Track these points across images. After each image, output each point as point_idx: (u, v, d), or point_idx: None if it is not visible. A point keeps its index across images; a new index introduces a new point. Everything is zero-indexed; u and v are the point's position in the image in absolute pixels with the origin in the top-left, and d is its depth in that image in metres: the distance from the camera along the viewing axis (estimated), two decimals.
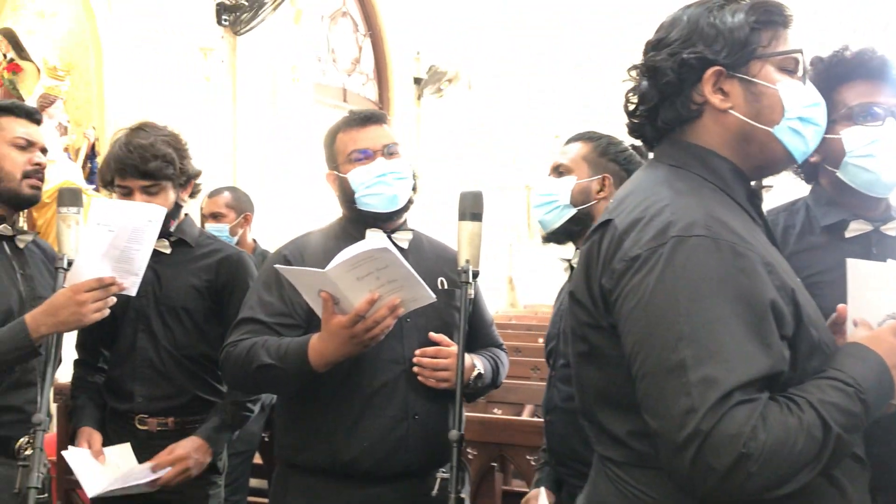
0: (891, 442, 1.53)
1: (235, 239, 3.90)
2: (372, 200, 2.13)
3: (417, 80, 9.34)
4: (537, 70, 11.75)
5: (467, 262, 1.95)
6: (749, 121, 1.34)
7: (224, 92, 6.55)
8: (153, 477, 2.20)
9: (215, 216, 3.89)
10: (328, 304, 1.85)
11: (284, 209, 7.01)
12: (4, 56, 6.31)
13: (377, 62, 9.14)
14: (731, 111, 1.34)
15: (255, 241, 4.13)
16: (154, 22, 6.25)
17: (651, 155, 1.47)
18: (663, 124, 1.39)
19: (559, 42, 11.69)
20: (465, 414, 3.61)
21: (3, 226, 2.21)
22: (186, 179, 2.39)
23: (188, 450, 2.25)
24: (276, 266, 1.97)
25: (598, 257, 1.33)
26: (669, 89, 1.36)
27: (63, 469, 2.96)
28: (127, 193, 2.29)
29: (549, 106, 11.81)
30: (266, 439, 3.68)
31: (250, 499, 3.72)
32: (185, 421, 2.34)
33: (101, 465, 2.22)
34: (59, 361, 2.20)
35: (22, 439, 1.92)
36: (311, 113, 7.53)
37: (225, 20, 6.44)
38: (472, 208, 1.98)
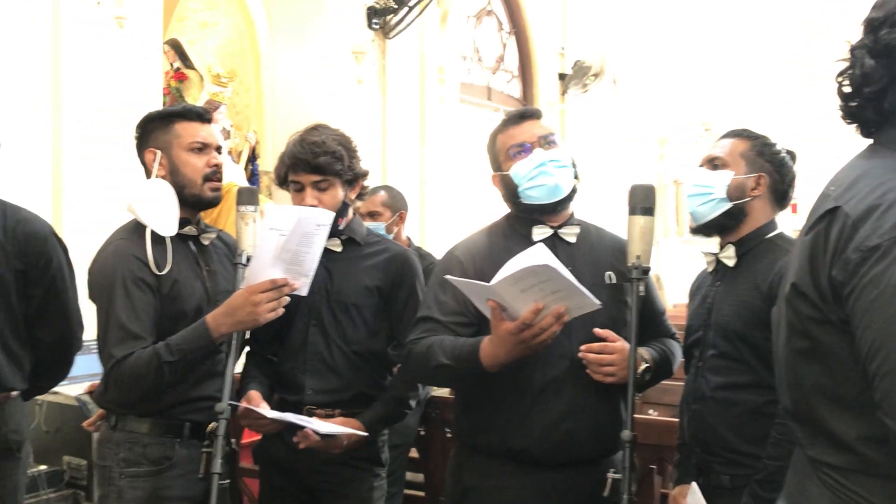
0: None
1: (391, 237, 3.98)
2: (534, 192, 2.16)
3: (562, 76, 9.26)
4: (685, 62, 11.41)
5: (638, 258, 1.93)
6: None
7: (374, 93, 6.70)
8: (320, 426, 2.24)
9: (372, 215, 3.98)
10: (496, 311, 1.92)
11: (434, 207, 7.11)
12: (171, 66, 6.69)
13: (521, 59, 9.12)
14: None
15: (408, 238, 4.19)
16: (308, 28, 6.47)
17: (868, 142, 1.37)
18: (891, 107, 1.29)
19: (708, 33, 11.30)
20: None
21: (188, 227, 2.33)
22: (354, 178, 2.45)
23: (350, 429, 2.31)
24: (447, 277, 2.05)
25: (825, 247, 1.24)
26: None
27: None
28: (299, 189, 2.38)
29: (698, 98, 11.45)
30: (422, 433, 3.74)
31: (407, 491, 3.79)
32: (351, 414, 2.39)
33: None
34: (238, 356, 2.32)
35: (211, 424, 2.02)
36: (457, 112, 7.60)
37: (375, 24, 6.58)
38: (643, 202, 1.96)
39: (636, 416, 3.75)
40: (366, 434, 2.33)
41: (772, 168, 2.24)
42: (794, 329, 1.30)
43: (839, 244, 1.21)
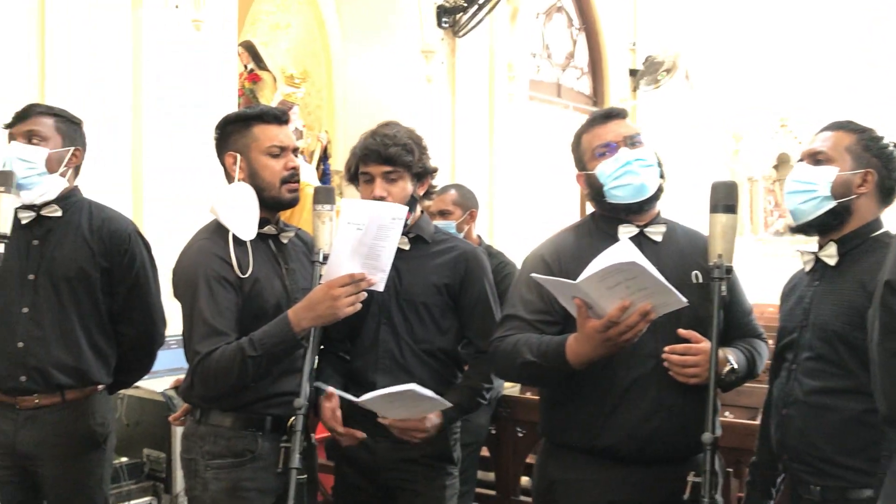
0: None
1: (461, 235, 3.98)
2: (620, 192, 2.15)
3: (633, 72, 9.14)
4: (758, 55, 11.14)
5: (720, 256, 1.89)
6: None
7: (443, 92, 6.72)
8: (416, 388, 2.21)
9: (443, 213, 3.98)
10: (582, 309, 1.92)
11: (503, 205, 7.09)
12: (245, 67, 6.82)
13: (592, 56, 9.03)
14: None
15: (479, 237, 4.19)
16: (378, 28, 6.53)
17: None
18: None
19: (785, 24, 11.02)
20: None
21: (267, 227, 2.37)
22: (423, 173, 2.46)
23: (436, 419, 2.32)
24: (532, 276, 2.05)
25: None
26: None
27: None
28: (369, 180, 2.40)
29: (773, 92, 11.17)
30: (493, 432, 3.73)
31: (478, 490, 3.79)
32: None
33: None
34: (316, 352, 2.35)
35: (291, 419, 2.04)
36: (526, 109, 7.56)
37: (445, 22, 6.60)
38: (725, 200, 1.92)
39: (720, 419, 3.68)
40: (439, 421, 2.32)
41: (879, 164, 2.09)
42: (889, 329, 1.26)
43: None
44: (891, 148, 2.13)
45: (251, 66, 6.90)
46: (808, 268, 2.21)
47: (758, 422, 3.94)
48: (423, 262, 2.45)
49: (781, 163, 11.67)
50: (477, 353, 2.45)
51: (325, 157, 6.60)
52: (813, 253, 2.19)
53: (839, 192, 2.08)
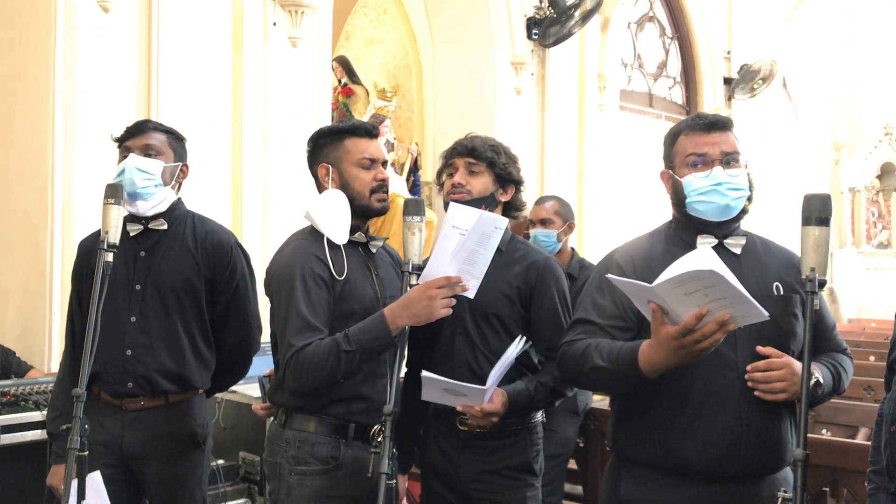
0: None
1: (559, 245, 3.99)
2: (702, 207, 2.09)
3: (728, 81, 8.95)
4: (860, 62, 10.77)
5: (812, 270, 1.82)
6: None
7: (533, 103, 6.73)
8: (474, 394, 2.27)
9: (544, 222, 4.00)
10: (657, 314, 1.86)
11: (593, 215, 7.05)
12: (339, 81, 6.98)
13: (685, 64, 8.89)
14: None
15: (573, 249, 4.19)
16: (469, 41, 6.59)
17: None
18: None
19: (887, 28, 10.63)
20: None
21: (358, 234, 2.43)
22: (507, 178, 2.51)
23: (497, 402, 2.32)
24: (607, 276, 1.99)
25: None
26: None
27: None
28: (451, 173, 2.51)
29: (875, 100, 10.77)
30: (581, 445, 3.72)
31: (565, 502, 3.78)
32: (504, 422, 2.38)
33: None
34: (403, 357, 2.39)
35: (376, 427, 2.06)
36: (617, 119, 7.50)
37: (535, 34, 6.61)
38: (818, 212, 1.85)
39: (810, 435, 3.58)
40: (498, 408, 2.30)
41: None
42: None
43: None
44: None
45: (345, 80, 7.07)
46: None
47: (858, 441, 3.83)
48: (496, 272, 2.42)
49: (885, 172, 11.23)
50: (548, 361, 2.43)
51: (415, 168, 6.69)
52: None
53: None
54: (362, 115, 6.54)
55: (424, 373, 2.28)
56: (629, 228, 7.36)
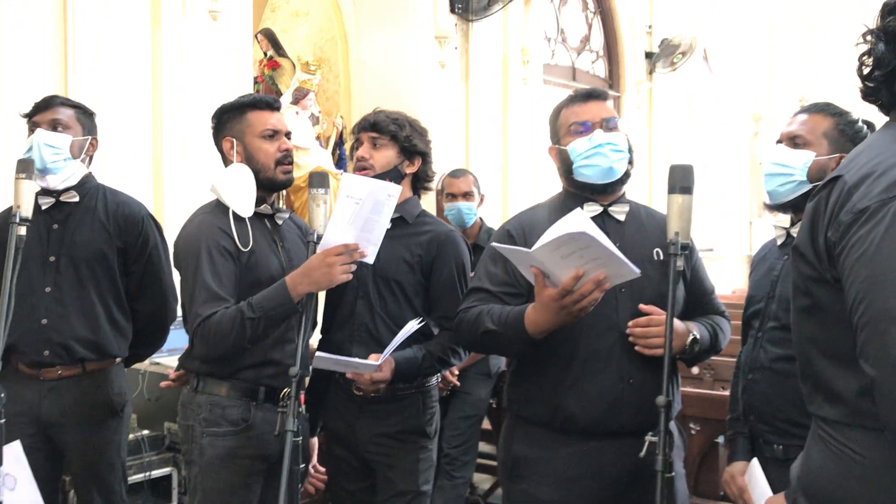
0: None
1: (477, 216, 4.18)
2: (588, 171, 2.22)
3: (649, 55, 9.15)
4: (778, 34, 11.10)
5: (676, 234, 1.97)
6: None
7: (457, 77, 6.81)
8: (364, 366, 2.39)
9: (466, 195, 4.15)
10: (539, 278, 1.99)
11: (516, 188, 7.19)
12: (265, 54, 6.95)
13: (607, 39, 9.06)
14: None
15: (481, 219, 4.35)
16: (393, 15, 6.62)
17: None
18: None
19: (804, 2, 10.97)
20: (690, 390, 3.61)
21: (263, 206, 2.52)
22: (412, 150, 2.61)
23: (386, 370, 2.42)
24: (493, 244, 2.14)
25: (824, 212, 1.33)
26: None
27: None
28: (358, 146, 2.62)
29: (792, 72, 11.13)
30: (493, 405, 3.88)
31: (479, 461, 3.94)
32: (397, 388, 2.52)
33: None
34: (313, 324, 2.50)
35: (286, 389, 2.15)
36: (541, 93, 7.64)
37: (458, 8, 6.68)
38: (681, 182, 2.00)
39: (706, 391, 3.80)
40: (386, 376, 2.41)
41: (853, 147, 2.19)
42: (798, 288, 1.40)
43: (835, 208, 1.30)
44: (865, 131, 2.19)
45: (271, 53, 7.03)
46: (779, 241, 2.31)
47: None
48: (400, 241, 2.55)
49: None
50: (442, 330, 2.56)
51: (340, 142, 6.73)
52: (785, 228, 2.28)
53: (815, 175, 2.14)
54: (288, 87, 6.54)
55: (318, 353, 2.40)
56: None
